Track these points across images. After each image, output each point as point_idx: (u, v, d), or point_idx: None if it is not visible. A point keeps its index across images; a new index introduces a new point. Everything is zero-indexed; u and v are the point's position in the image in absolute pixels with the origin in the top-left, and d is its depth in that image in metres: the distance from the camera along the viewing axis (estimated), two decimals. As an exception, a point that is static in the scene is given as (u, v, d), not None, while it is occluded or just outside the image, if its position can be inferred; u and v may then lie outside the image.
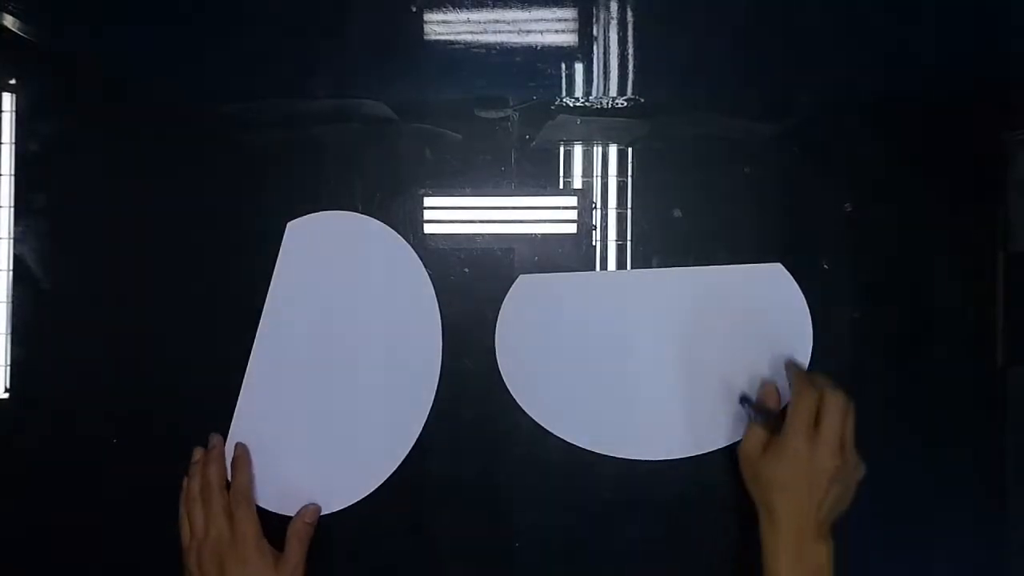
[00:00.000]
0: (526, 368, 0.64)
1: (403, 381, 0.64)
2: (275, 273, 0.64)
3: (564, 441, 0.64)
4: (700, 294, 0.64)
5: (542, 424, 0.64)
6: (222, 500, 0.60)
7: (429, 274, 0.64)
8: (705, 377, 0.64)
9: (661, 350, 0.64)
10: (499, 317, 0.64)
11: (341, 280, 0.65)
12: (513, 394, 0.64)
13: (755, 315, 0.64)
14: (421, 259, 0.65)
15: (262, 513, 0.61)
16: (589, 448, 0.64)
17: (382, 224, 0.65)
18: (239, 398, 0.64)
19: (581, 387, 0.64)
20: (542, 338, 0.65)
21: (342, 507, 0.64)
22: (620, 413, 0.64)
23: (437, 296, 0.64)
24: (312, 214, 0.65)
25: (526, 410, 0.64)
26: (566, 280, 0.65)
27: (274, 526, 0.61)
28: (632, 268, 0.65)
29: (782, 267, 0.64)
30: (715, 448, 0.64)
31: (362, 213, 0.65)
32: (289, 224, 0.65)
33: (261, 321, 0.64)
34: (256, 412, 0.64)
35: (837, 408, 0.55)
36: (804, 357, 0.63)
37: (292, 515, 0.62)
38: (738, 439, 0.61)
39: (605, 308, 0.65)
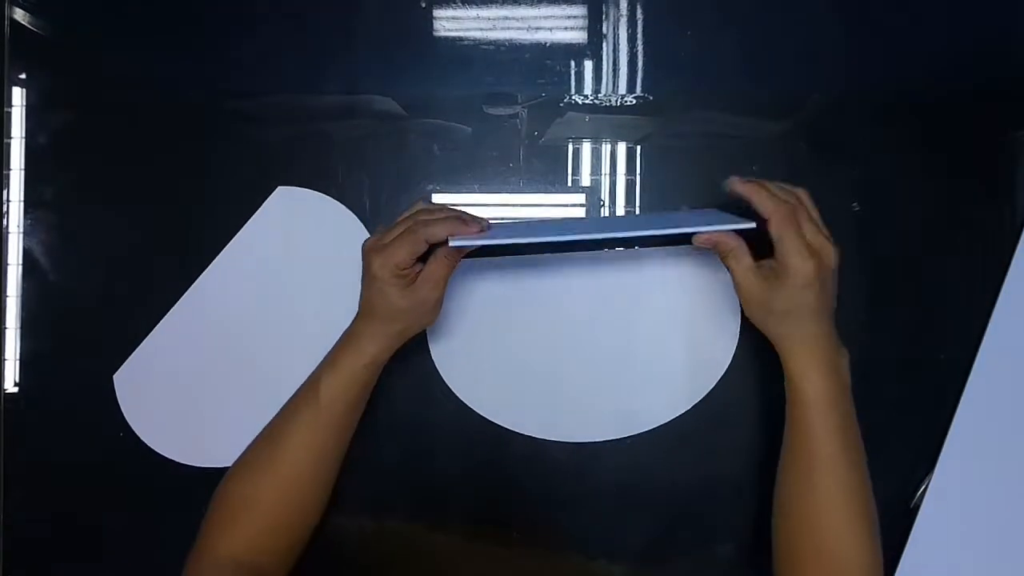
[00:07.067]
0: (459, 358, 0.64)
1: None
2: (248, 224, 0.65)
3: (499, 426, 0.64)
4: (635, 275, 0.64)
5: (476, 410, 0.64)
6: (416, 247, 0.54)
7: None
8: (637, 356, 0.64)
9: (594, 331, 0.64)
10: None
11: (302, 255, 0.65)
12: (447, 382, 0.64)
13: (684, 292, 0.64)
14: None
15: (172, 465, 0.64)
16: (534, 435, 0.64)
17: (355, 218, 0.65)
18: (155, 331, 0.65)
19: (516, 372, 0.64)
20: (474, 323, 0.64)
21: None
22: (556, 396, 0.64)
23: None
24: (304, 188, 0.65)
25: (461, 398, 0.64)
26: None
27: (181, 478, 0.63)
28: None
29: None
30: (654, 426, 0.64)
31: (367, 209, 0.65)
32: (280, 188, 0.65)
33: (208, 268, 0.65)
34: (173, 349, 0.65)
35: (805, 202, 0.54)
36: (733, 336, 0.64)
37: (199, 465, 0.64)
38: (672, 418, 0.63)
39: (537, 290, 0.64)
